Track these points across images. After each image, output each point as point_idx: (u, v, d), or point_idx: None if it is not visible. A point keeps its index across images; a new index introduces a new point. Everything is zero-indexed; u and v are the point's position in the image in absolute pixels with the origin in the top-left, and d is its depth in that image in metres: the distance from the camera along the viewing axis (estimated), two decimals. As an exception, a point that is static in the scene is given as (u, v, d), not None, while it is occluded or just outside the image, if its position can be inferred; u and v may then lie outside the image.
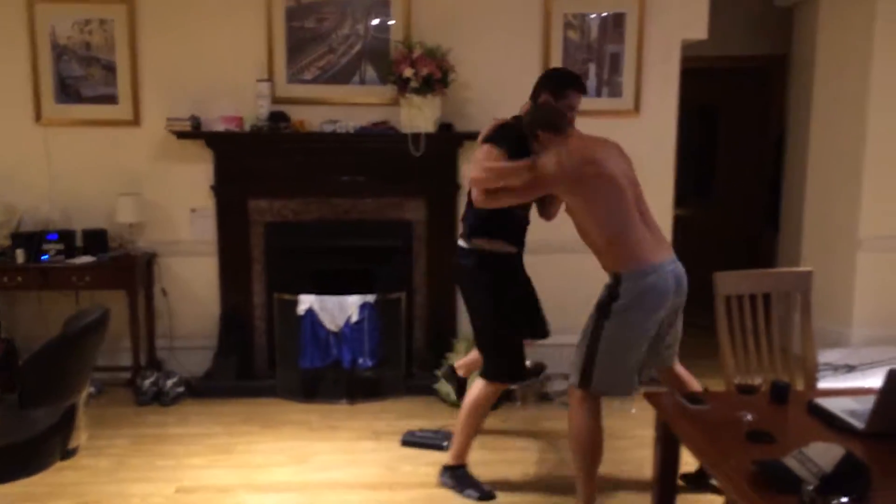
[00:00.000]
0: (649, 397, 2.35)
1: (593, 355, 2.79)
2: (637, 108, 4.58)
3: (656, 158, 4.61)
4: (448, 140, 4.53)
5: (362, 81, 4.59)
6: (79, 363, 2.44)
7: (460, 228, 3.32)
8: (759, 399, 2.24)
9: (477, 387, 3.24)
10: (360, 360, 4.23)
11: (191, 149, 4.50)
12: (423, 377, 4.45)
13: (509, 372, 3.26)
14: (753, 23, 5.70)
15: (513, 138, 3.02)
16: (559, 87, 3.06)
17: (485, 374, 3.23)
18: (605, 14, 4.53)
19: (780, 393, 2.22)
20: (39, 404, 2.34)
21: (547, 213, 3.31)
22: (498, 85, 4.56)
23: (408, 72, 4.31)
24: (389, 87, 4.46)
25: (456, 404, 4.18)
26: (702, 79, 5.10)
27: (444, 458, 3.38)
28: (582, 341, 2.86)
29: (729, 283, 2.72)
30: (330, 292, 4.28)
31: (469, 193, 3.09)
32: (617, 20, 4.53)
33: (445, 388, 4.21)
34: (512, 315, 3.18)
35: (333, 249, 4.55)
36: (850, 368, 4.18)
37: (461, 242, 3.23)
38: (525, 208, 3.22)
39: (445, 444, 3.65)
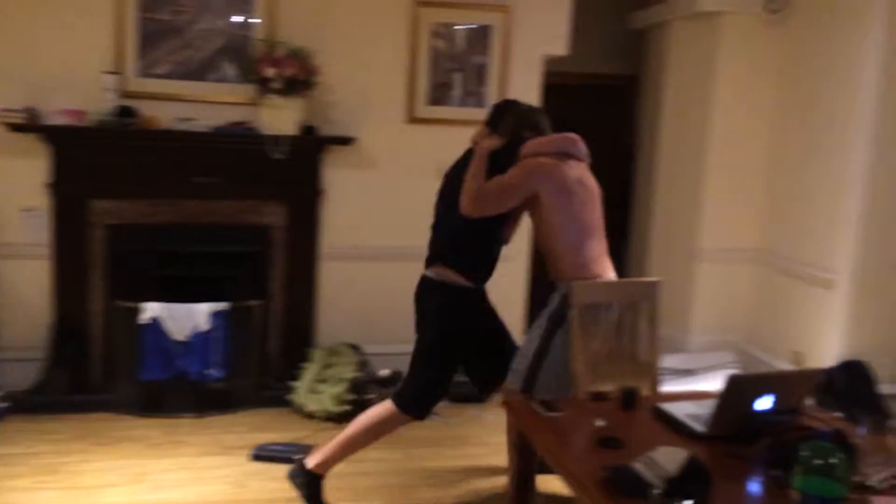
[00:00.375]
0: (505, 405, 2.33)
1: (540, 362, 2.77)
2: (500, 119, 4.63)
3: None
4: (310, 143, 4.39)
5: (221, 79, 4.37)
6: None
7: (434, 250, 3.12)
8: (611, 406, 2.27)
9: (383, 407, 3.03)
10: (209, 371, 4.00)
11: (24, 143, 4.11)
12: (278, 388, 4.27)
13: (416, 407, 3.03)
14: (610, 43, 5.94)
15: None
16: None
17: (397, 397, 3.03)
18: (471, 26, 4.56)
19: (628, 399, 2.27)
20: None
21: (508, 233, 3.17)
22: (364, 90, 4.48)
23: (270, 72, 4.14)
24: (250, 86, 4.28)
25: (312, 416, 4.05)
26: (562, 95, 5.24)
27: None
28: (527, 347, 2.84)
29: (586, 292, 2.77)
30: (180, 300, 4.03)
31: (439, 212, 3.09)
32: (483, 32, 4.58)
33: (301, 398, 4.06)
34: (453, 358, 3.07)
35: (185, 255, 4.30)
36: (689, 373, 4.39)
37: (435, 269, 3.05)
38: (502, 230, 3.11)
39: (298, 457, 3.49)
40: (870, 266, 4.02)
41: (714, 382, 3.93)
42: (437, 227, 3.10)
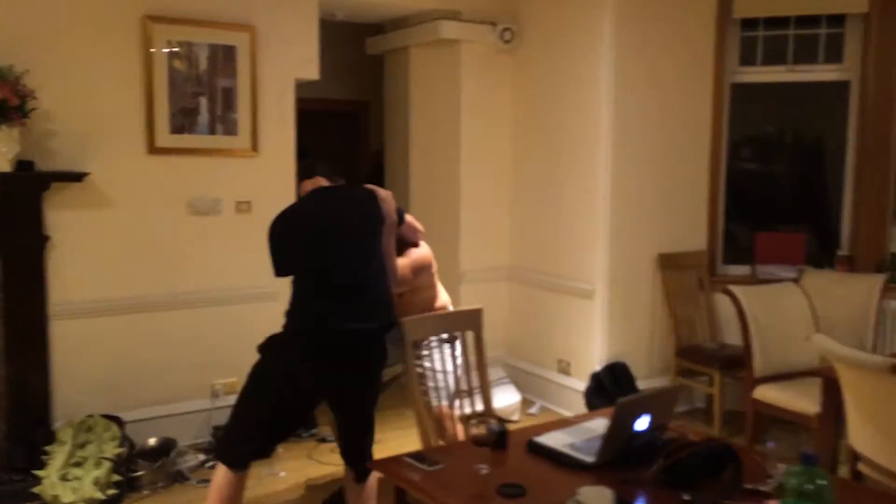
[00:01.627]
0: (378, 465, 2.12)
1: None
2: (255, 146, 4.30)
3: (277, 200, 4.29)
4: (28, 181, 3.66)
5: None
6: None
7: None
8: (480, 447, 2.18)
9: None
10: (-80, 477, 3.12)
11: None
12: (12, 481, 3.48)
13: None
14: (346, 69, 5.89)
15: None
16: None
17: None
18: (214, 45, 4.16)
19: (501, 438, 2.19)
20: None
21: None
22: (92, 117, 3.86)
23: (-30, 95, 3.38)
24: (-59, 113, 3.45)
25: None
26: (303, 121, 5.05)
27: None
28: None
29: (416, 327, 2.65)
30: None
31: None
32: (228, 53, 4.20)
33: (53, 489, 3.34)
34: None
35: None
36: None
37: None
38: None
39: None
40: (620, 275, 4.45)
41: (498, 399, 4.07)
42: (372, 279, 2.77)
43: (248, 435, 2.77)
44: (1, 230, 3.62)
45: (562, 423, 2.38)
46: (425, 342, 3.06)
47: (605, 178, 4.39)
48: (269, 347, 2.77)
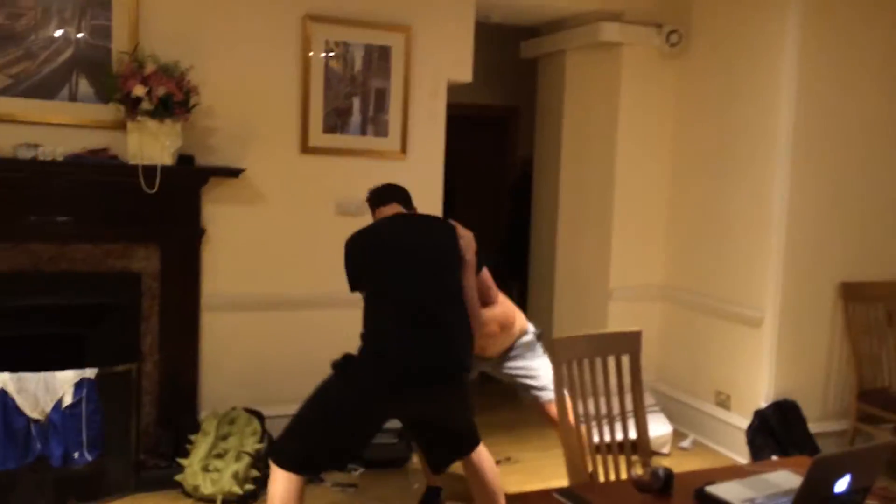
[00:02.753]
0: (520, 499, 1.92)
1: None
2: (404, 149, 4.22)
3: (424, 204, 4.25)
4: (188, 175, 3.75)
5: (73, 98, 3.65)
6: None
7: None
8: (639, 492, 1.92)
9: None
10: (77, 454, 3.22)
11: None
12: (157, 467, 3.56)
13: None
14: (496, 73, 5.73)
15: None
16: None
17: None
18: (370, 46, 4.12)
19: (666, 483, 1.93)
20: None
21: None
22: (250, 115, 3.92)
23: (139, 90, 3.48)
24: (111, 106, 3.58)
25: (207, 499, 3.39)
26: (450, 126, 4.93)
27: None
28: None
29: (567, 348, 2.42)
30: (29, 367, 3.23)
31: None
32: (383, 53, 4.16)
33: (194, 479, 3.38)
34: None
35: (32, 310, 3.50)
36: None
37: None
38: None
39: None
40: (794, 303, 3.99)
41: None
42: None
43: (304, 442, 2.65)
44: (160, 221, 3.72)
45: (735, 472, 2.08)
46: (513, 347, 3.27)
47: (782, 194, 3.93)
48: (344, 368, 2.64)
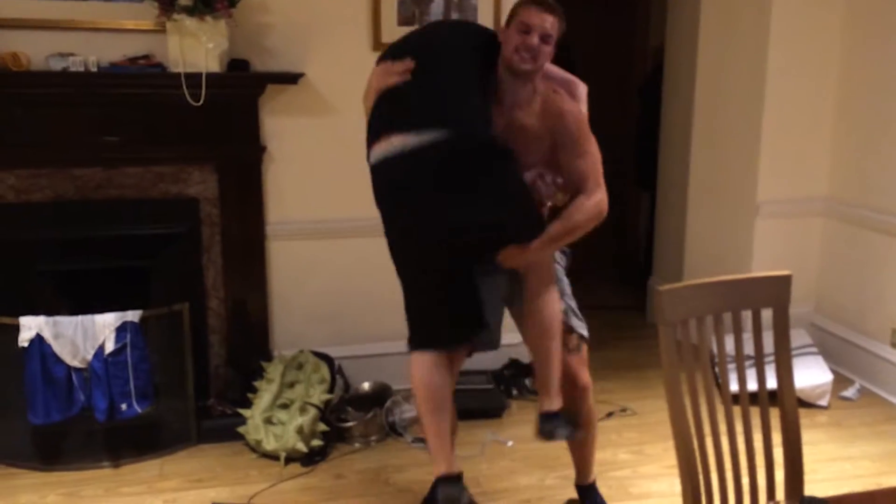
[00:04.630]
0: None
1: None
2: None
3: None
4: (242, 83, 3.24)
5: (110, -4, 3.18)
6: None
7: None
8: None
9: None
10: (124, 406, 2.90)
11: None
12: (224, 414, 3.21)
13: None
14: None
15: None
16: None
17: None
18: (451, -87, 3.37)
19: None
20: None
21: None
22: (311, 7, 3.31)
23: (175, -20, 2.97)
24: (150, 2, 3.08)
25: (271, 456, 3.01)
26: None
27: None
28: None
29: (680, 302, 1.73)
30: (73, 310, 2.92)
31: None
32: (467, -78, 3.40)
33: (256, 433, 3.00)
34: None
35: (78, 243, 3.15)
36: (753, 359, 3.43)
37: None
38: None
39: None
40: None
41: (800, 376, 3.00)
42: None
43: (413, 316, 2.30)
44: (215, 139, 3.25)
45: None
46: None
47: None
48: None
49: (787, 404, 1.83)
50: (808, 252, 3.92)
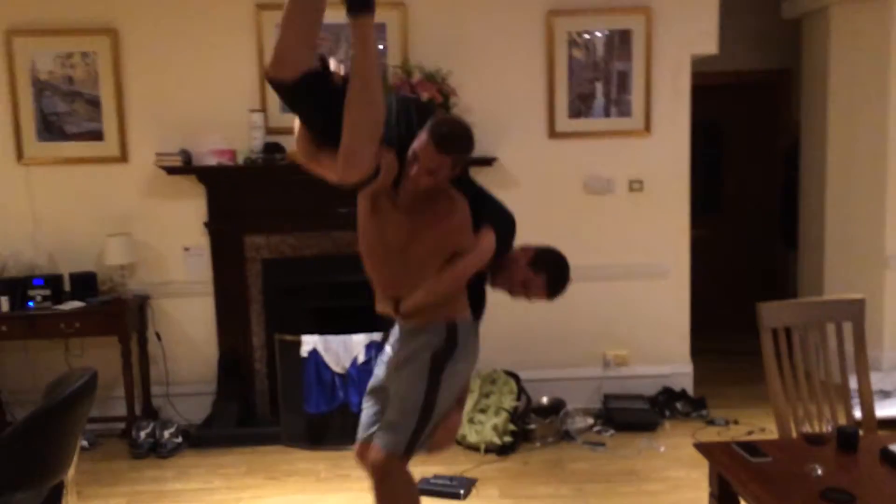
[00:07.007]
0: (702, 448, 2.12)
1: (429, 417, 2.38)
2: (648, 127, 4.39)
3: (670, 178, 4.43)
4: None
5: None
6: (65, 438, 2.17)
7: None
8: (825, 448, 2.02)
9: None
10: (369, 403, 3.98)
11: (182, 185, 4.29)
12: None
13: None
14: (758, 37, 5.57)
15: None
16: None
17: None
18: (610, 31, 4.35)
19: (848, 440, 2.01)
20: (19, 488, 2.08)
21: None
22: (502, 108, 4.38)
23: (408, 97, 4.11)
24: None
25: (473, 447, 3.95)
26: (704, 94, 4.93)
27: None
28: (407, 400, 2.40)
29: (775, 314, 2.51)
30: (333, 331, 4.05)
31: None
32: (623, 37, 4.36)
33: (461, 429, 3.97)
34: None
35: (335, 285, 4.32)
36: (885, 395, 3.97)
37: None
38: None
39: (462, 491, 3.42)
40: None
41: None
42: None
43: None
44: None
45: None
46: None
47: None
48: None
49: (862, 387, 2.52)
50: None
